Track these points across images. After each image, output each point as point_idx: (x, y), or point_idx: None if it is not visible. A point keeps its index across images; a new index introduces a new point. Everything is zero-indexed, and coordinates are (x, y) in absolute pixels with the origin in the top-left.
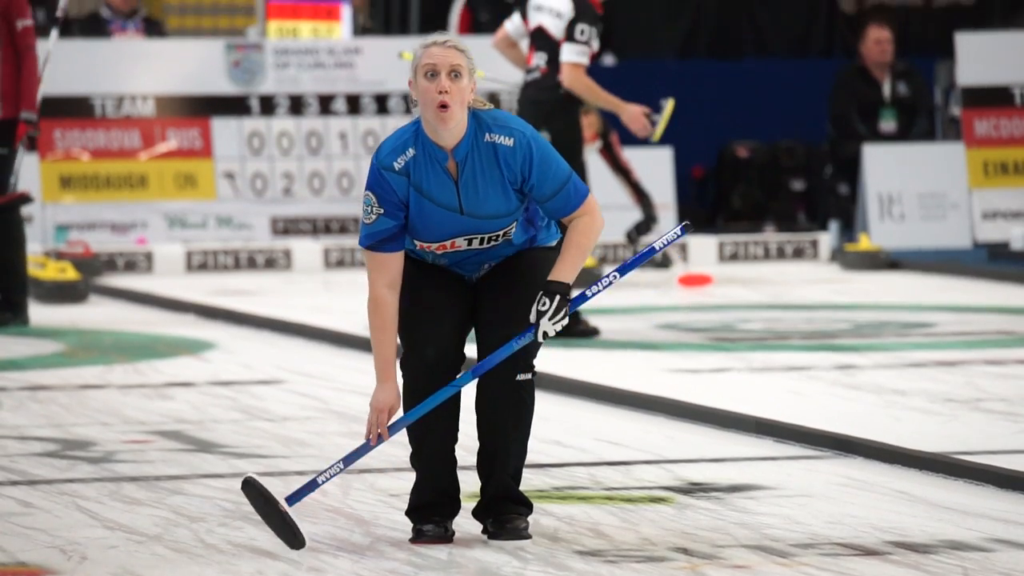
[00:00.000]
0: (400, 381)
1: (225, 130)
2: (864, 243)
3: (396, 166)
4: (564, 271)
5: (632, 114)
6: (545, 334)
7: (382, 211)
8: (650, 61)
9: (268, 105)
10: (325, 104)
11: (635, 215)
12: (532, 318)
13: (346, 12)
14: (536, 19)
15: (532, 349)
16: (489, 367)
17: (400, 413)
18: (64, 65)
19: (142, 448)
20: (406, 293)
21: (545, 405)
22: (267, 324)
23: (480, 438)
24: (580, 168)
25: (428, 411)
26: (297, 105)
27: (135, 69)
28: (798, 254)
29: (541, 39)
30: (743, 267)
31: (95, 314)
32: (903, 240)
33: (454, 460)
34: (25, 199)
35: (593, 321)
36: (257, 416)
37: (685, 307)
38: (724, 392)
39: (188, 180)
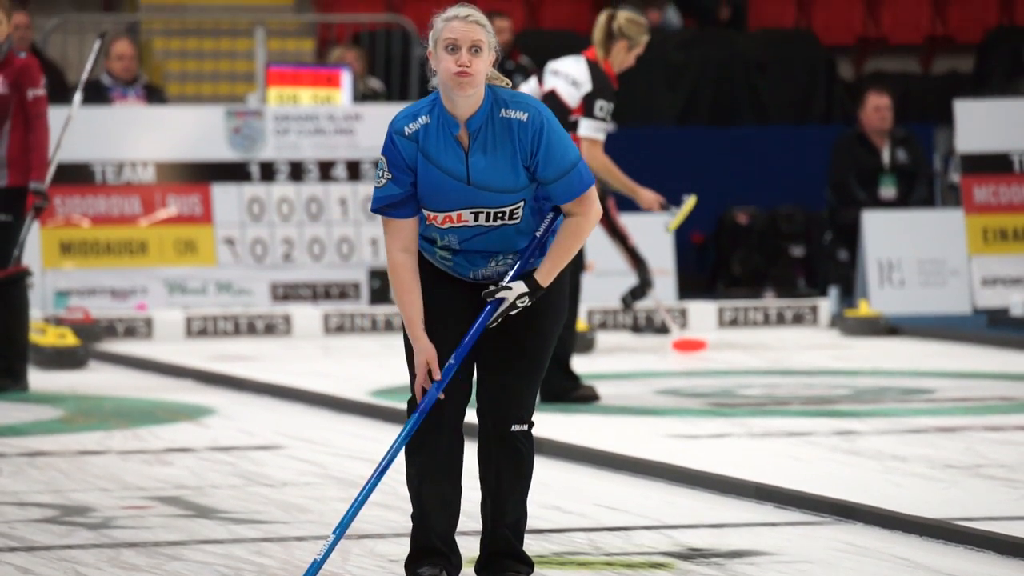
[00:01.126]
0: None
1: (225, 196)
2: (864, 309)
3: (407, 131)
4: (545, 273)
5: (648, 200)
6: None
7: (390, 176)
8: (650, 128)
9: (268, 171)
10: (325, 170)
11: (632, 280)
12: (502, 298)
13: (346, 79)
14: (551, 83)
15: (528, 402)
16: (451, 374)
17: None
18: (68, 135)
19: (141, 514)
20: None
21: (544, 470)
22: (266, 390)
23: (482, 490)
24: None
25: (424, 452)
26: (297, 171)
27: (135, 136)
28: (798, 320)
29: (552, 103)
30: (743, 333)
31: (95, 380)
32: (903, 306)
33: (454, 510)
34: (24, 274)
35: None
36: (256, 482)
37: (684, 372)
38: (724, 457)
39: (188, 246)
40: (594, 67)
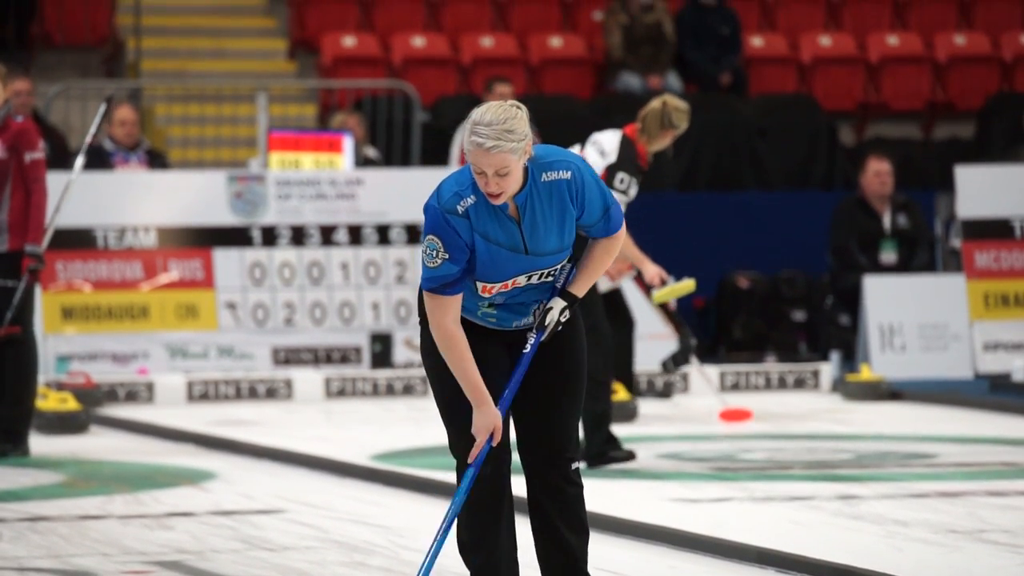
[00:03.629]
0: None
1: (227, 261)
2: (865, 373)
3: (459, 209)
4: (580, 286)
5: (650, 273)
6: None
7: (447, 256)
8: (651, 193)
9: (270, 236)
10: (327, 235)
11: (671, 345)
12: (547, 322)
13: (348, 144)
14: (587, 150)
15: (577, 438)
16: (507, 404)
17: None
18: (68, 199)
19: None
20: (452, 393)
21: None
22: (268, 454)
23: (542, 546)
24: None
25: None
26: (299, 236)
27: (137, 201)
28: (799, 384)
29: None
30: (744, 397)
31: (96, 444)
32: (904, 371)
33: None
34: (14, 337)
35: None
36: (257, 546)
37: (686, 437)
38: (726, 522)
39: (189, 311)
40: (626, 142)
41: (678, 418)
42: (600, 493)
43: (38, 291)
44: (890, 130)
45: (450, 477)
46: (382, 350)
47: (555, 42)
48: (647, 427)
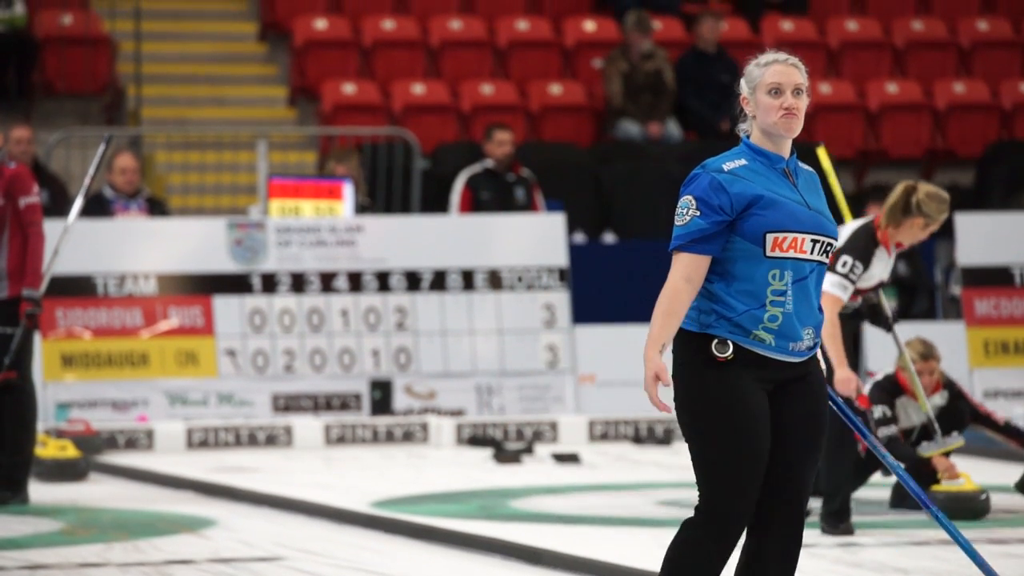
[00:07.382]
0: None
1: (227, 308)
2: None
3: (726, 167)
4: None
5: (845, 380)
6: None
7: (697, 213)
8: (651, 240)
9: (270, 283)
10: (327, 281)
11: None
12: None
13: (348, 191)
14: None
15: (809, 497)
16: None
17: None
18: (67, 244)
19: None
20: (722, 450)
21: None
22: (267, 501)
23: None
24: None
25: None
26: (299, 283)
27: (137, 248)
28: None
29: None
30: None
31: (95, 492)
32: None
33: None
34: (13, 383)
35: (593, 497)
36: None
37: (685, 484)
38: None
39: (189, 358)
40: (861, 230)
41: (677, 466)
42: (600, 541)
43: (38, 339)
44: (890, 177)
45: (450, 524)
46: (382, 397)
47: (555, 89)
48: (646, 474)
